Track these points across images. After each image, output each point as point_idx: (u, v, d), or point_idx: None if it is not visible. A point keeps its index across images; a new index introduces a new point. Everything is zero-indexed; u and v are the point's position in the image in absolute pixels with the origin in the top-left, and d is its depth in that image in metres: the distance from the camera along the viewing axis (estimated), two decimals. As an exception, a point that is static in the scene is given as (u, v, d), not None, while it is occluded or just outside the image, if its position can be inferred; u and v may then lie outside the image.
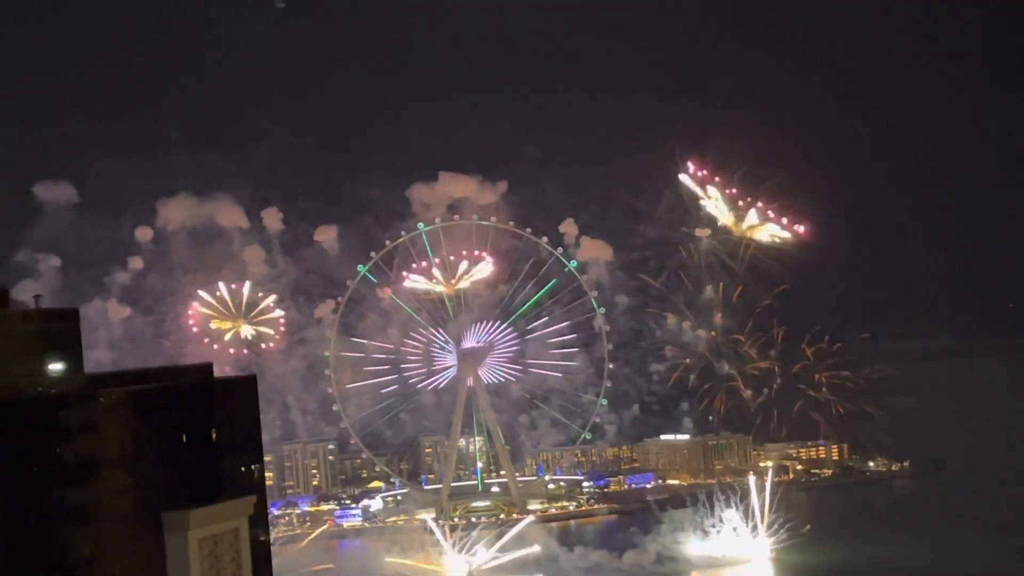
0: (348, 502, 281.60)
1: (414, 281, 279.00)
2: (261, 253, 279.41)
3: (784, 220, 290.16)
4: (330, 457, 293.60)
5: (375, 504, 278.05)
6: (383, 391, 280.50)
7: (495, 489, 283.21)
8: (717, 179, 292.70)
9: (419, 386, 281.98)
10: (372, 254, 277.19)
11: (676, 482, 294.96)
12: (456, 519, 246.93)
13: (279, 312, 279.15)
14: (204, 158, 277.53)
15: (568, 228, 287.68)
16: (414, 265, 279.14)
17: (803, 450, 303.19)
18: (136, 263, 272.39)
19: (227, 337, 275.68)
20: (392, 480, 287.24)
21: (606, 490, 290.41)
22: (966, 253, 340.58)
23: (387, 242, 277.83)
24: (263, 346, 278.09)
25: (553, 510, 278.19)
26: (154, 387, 73.16)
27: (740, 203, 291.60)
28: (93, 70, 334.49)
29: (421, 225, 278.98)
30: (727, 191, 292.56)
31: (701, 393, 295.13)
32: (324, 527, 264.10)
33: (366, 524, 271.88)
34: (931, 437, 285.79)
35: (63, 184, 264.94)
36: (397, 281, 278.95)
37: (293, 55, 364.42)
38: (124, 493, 69.28)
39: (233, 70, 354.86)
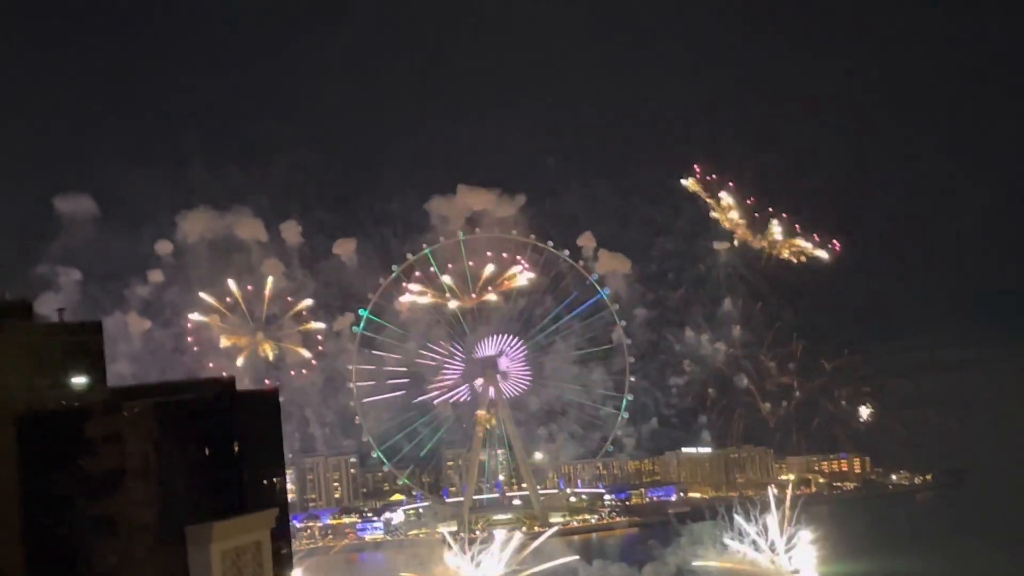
0: (370, 515, 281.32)
1: (417, 295, 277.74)
2: (280, 266, 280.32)
3: (815, 237, 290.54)
4: (352, 470, 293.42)
5: (397, 517, 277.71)
6: (413, 401, 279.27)
7: (517, 502, 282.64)
8: (731, 184, 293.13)
9: (437, 401, 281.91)
10: (394, 267, 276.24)
11: (698, 495, 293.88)
12: (477, 532, 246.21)
13: (317, 324, 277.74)
14: (223, 171, 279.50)
15: (586, 241, 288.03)
16: (417, 274, 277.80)
17: (825, 463, 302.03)
18: (156, 276, 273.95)
19: (240, 361, 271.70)
20: (414, 493, 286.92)
21: (628, 503, 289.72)
22: (987, 263, 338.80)
23: (408, 255, 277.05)
24: (292, 373, 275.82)
25: (575, 523, 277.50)
26: (177, 400, 73.63)
27: (757, 215, 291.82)
28: (113, 84, 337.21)
29: (460, 233, 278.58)
30: (746, 200, 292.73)
31: (719, 407, 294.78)
32: (345, 540, 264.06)
33: (387, 537, 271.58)
34: (953, 449, 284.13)
35: (84, 197, 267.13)
36: (411, 294, 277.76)
37: (313, 68, 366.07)
38: (148, 505, 69.75)
39: (252, 83, 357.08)
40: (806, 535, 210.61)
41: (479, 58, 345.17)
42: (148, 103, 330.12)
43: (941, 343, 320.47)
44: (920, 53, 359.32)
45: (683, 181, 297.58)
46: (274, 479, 78.76)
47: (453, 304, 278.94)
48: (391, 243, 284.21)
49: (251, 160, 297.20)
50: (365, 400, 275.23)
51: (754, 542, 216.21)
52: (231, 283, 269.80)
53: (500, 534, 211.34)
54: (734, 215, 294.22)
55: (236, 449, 75.11)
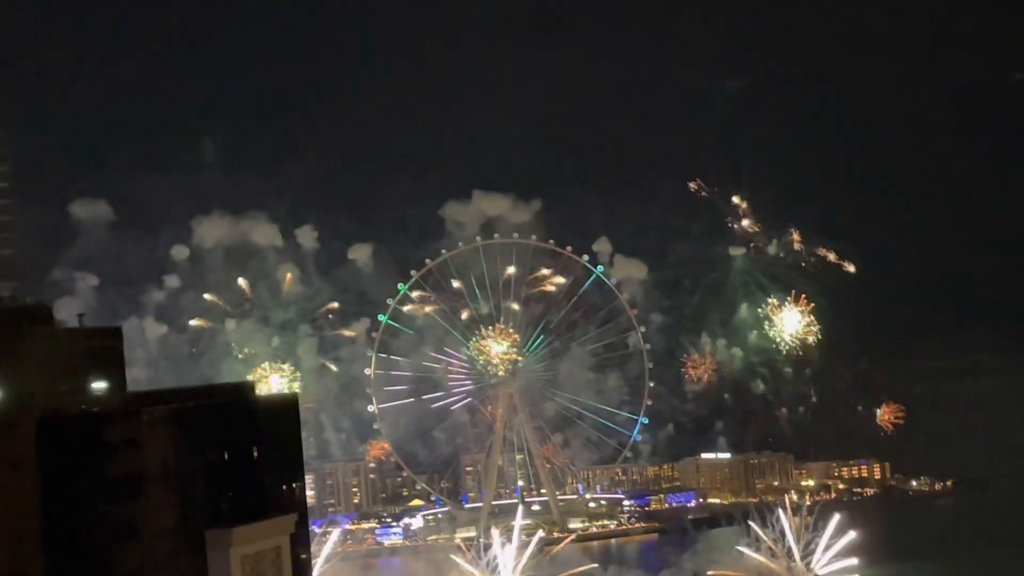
0: (389, 520, 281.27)
1: (433, 302, 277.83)
2: (296, 271, 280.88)
3: (832, 256, 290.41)
4: (371, 475, 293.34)
5: (416, 522, 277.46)
6: (432, 406, 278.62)
7: (536, 507, 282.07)
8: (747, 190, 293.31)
9: (455, 406, 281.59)
10: (413, 272, 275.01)
11: (717, 501, 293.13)
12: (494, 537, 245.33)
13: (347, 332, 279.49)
14: (239, 176, 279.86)
15: (601, 246, 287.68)
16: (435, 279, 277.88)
17: (845, 468, 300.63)
18: (172, 281, 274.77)
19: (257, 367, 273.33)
20: (432, 498, 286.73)
21: (647, 508, 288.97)
22: (1008, 268, 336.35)
23: (427, 260, 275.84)
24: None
25: (594, 528, 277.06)
26: (197, 405, 73.77)
27: (773, 222, 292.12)
28: (129, 89, 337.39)
29: (478, 239, 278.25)
30: (762, 207, 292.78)
31: (737, 413, 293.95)
32: (364, 545, 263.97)
33: (406, 542, 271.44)
34: (974, 456, 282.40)
35: (99, 203, 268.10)
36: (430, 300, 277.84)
37: (327, 73, 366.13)
38: (167, 510, 69.90)
39: (268, 88, 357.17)
40: (824, 540, 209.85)
41: (494, 64, 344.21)
42: (164, 108, 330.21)
43: (963, 349, 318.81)
44: (944, 59, 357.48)
45: (692, 185, 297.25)
46: (293, 484, 78.79)
47: (471, 309, 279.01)
48: (407, 249, 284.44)
49: (267, 165, 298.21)
50: (383, 405, 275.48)
51: (771, 549, 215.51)
52: (243, 284, 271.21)
53: (517, 540, 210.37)
54: (749, 222, 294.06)
55: (255, 454, 75.15)
